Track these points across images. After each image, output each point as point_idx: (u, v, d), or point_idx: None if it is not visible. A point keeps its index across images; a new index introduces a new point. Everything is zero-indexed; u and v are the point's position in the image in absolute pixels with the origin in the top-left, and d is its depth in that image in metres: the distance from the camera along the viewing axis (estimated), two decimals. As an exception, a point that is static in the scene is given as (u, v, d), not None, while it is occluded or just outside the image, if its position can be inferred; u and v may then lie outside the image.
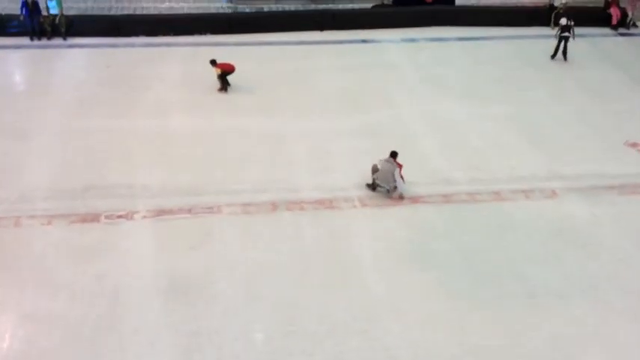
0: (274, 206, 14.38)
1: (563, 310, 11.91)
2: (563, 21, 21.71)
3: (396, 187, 14.53)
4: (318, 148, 16.47)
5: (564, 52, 21.72)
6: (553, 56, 21.87)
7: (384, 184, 14.58)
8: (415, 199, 14.75)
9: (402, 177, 14.47)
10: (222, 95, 18.60)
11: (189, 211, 14.13)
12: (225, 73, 18.74)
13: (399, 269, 12.76)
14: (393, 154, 14.58)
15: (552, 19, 23.41)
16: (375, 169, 14.63)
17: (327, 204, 14.53)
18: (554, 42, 22.38)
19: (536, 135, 17.32)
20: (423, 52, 21.77)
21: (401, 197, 14.67)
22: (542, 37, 23.18)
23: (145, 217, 13.90)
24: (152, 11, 23.74)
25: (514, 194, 15.07)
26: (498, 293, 12.24)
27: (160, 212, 14.02)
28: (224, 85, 18.81)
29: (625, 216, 14.42)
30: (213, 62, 18.62)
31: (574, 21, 21.53)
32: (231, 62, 18.79)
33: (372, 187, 14.82)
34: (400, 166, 14.49)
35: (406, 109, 18.21)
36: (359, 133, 16.73)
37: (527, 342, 11.18)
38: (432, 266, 12.87)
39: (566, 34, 21.58)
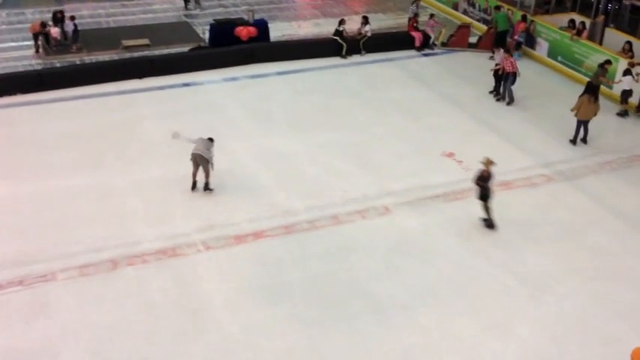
0: (114, 264, 13.82)
1: (411, 320, 12.54)
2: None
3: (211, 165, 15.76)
4: (154, 197, 16.08)
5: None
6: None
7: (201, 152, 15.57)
8: (258, 234, 14.86)
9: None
10: (44, 156, 17.57)
11: (21, 282, 13.18)
12: None
13: (252, 307, 12.77)
14: (211, 139, 15.95)
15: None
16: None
17: (170, 252, 14.22)
18: (367, 68, 23.97)
19: (362, 157, 18.16)
20: (245, 90, 22.09)
21: (208, 188, 16.05)
22: (355, 64, 24.47)
23: (-30, 297, 12.78)
24: (-48, 75, 22.06)
25: (351, 216, 15.67)
26: (349, 314, 12.64)
27: (-13, 289, 12.97)
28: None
29: (451, 221, 15.51)
30: None
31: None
32: None
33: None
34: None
35: (238, 147, 18.32)
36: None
37: (383, 358, 11.64)
38: (284, 298, 13.02)
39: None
